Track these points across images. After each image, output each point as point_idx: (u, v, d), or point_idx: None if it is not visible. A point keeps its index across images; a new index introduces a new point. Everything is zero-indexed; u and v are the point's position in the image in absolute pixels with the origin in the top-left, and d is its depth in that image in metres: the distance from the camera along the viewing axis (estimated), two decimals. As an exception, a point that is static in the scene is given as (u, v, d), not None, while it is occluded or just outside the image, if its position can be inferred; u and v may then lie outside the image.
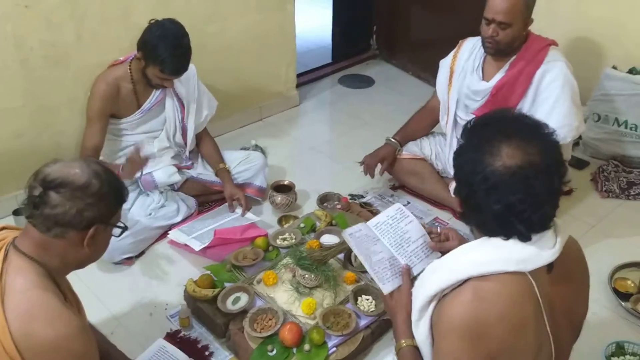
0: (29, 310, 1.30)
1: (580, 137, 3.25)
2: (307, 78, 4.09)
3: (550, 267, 1.26)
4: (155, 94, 2.48)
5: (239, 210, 2.60)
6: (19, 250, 1.37)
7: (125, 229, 1.50)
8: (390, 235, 1.74)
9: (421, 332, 1.36)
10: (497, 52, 2.43)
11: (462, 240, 1.69)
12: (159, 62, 2.26)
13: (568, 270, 1.33)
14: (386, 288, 1.62)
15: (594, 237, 2.64)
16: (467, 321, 1.19)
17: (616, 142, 3.10)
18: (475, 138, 1.26)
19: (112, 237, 2.30)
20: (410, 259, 1.69)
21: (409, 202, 2.82)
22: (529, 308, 1.22)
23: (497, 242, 1.25)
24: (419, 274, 1.62)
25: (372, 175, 2.78)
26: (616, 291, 2.30)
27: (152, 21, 2.32)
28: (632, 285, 2.33)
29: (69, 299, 1.49)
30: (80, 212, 1.34)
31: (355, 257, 2.26)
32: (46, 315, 1.30)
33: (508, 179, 1.17)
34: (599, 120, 3.13)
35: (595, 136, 3.16)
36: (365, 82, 4.11)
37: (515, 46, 2.42)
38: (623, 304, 2.26)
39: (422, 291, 1.33)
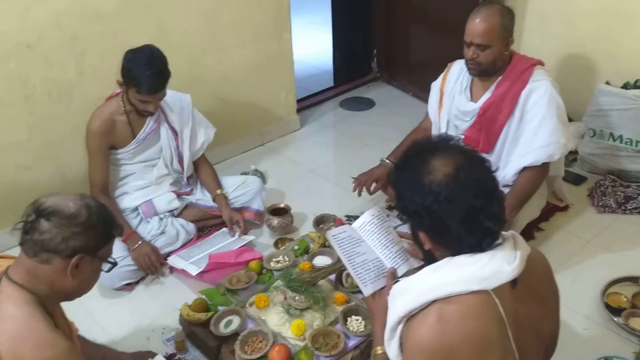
0: (17, 334, 1.37)
1: (577, 153, 3.28)
2: (309, 102, 4.18)
3: (514, 283, 1.29)
4: (149, 124, 2.58)
5: (247, 238, 2.68)
6: (10, 279, 1.46)
7: (114, 264, 1.58)
8: (375, 235, 1.77)
9: (392, 350, 1.40)
10: (480, 73, 2.48)
11: None
12: (135, 82, 2.34)
13: (533, 286, 1.35)
14: (367, 290, 1.66)
15: (590, 253, 2.65)
16: (433, 344, 1.23)
17: (612, 157, 3.11)
18: (406, 172, 1.32)
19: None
20: (395, 260, 1.73)
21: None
22: (493, 326, 1.25)
23: (459, 261, 1.28)
24: (403, 275, 1.65)
25: (360, 193, 2.80)
26: (608, 306, 2.31)
27: None
28: (625, 300, 2.33)
29: (60, 325, 1.56)
30: (66, 240, 1.42)
31: (347, 277, 2.31)
32: (34, 339, 1.38)
33: (455, 183, 1.24)
34: (595, 136, 3.14)
35: (591, 151, 3.17)
36: (366, 104, 4.18)
37: (498, 66, 2.47)
38: (615, 319, 2.26)
39: (392, 312, 1.37)
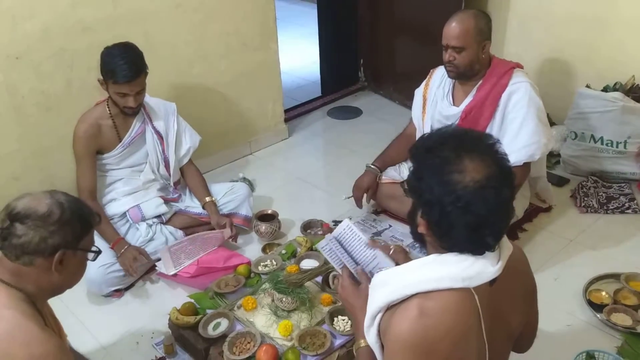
0: (7, 332, 1.38)
1: (559, 156, 3.34)
2: (297, 112, 4.24)
3: (492, 280, 1.30)
4: (135, 127, 2.62)
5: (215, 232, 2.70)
6: None
7: (98, 252, 1.59)
8: (350, 242, 1.78)
9: (371, 336, 1.42)
10: (458, 75, 2.54)
11: (407, 259, 1.69)
12: (111, 73, 2.40)
13: (509, 283, 1.37)
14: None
15: (572, 251, 2.69)
16: (415, 338, 1.25)
17: (594, 159, 3.17)
18: (436, 158, 1.26)
19: (101, 269, 2.42)
20: (368, 265, 1.76)
21: (390, 226, 2.91)
22: (471, 321, 1.27)
23: (446, 259, 1.29)
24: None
25: (360, 206, 2.89)
26: (591, 303, 2.35)
27: None
28: (607, 296, 2.37)
29: (50, 323, 1.58)
30: (44, 240, 1.43)
31: (333, 279, 2.34)
32: (24, 337, 1.39)
33: (480, 192, 1.19)
34: (576, 138, 3.21)
35: (573, 154, 3.23)
36: (354, 113, 4.24)
37: (476, 69, 2.53)
38: (598, 315, 2.30)
39: (373, 302, 1.40)
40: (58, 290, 1.56)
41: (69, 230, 1.47)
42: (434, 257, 1.32)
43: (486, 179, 1.20)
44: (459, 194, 1.20)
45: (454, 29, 2.43)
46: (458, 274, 1.26)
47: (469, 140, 1.28)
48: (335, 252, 1.80)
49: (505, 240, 1.37)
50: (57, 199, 1.48)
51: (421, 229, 1.32)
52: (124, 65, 2.38)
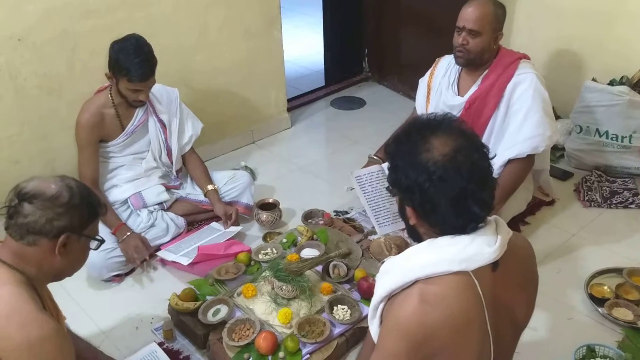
0: (5, 313, 1.38)
1: (564, 149, 3.32)
2: (300, 101, 4.21)
3: (495, 266, 1.30)
4: (138, 116, 2.60)
5: (234, 229, 2.71)
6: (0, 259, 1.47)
7: (102, 242, 1.59)
8: None
9: (374, 329, 1.41)
10: (467, 62, 2.51)
11: None
12: (125, 72, 2.37)
13: (514, 271, 1.37)
14: (382, 230, 1.69)
15: (575, 245, 2.68)
16: (413, 325, 1.24)
17: (598, 153, 3.15)
18: (404, 147, 1.31)
19: (102, 254, 2.42)
20: None
21: (392, 217, 2.89)
22: (473, 308, 1.26)
23: (441, 243, 1.30)
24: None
25: None
26: (592, 297, 2.33)
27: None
28: (608, 290, 2.36)
29: (49, 307, 1.57)
30: (50, 221, 1.43)
31: (334, 268, 2.33)
32: (21, 319, 1.38)
33: (451, 164, 1.23)
34: (581, 132, 3.18)
35: (578, 147, 3.21)
36: (357, 103, 4.21)
37: (485, 59, 2.50)
38: (599, 309, 2.29)
39: (376, 292, 1.39)
40: (58, 275, 1.56)
41: (76, 215, 1.47)
42: (428, 242, 1.33)
43: (454, 151, 1.25)
44: (431, 169, 1.24)
45: (472, 12, 2.41)
46: (455, 255, 1.26)
47: (432, 122, 1.33)
48: (365, 186, 1.80)
49: (503, 224, 1.37)
50: (67, 183, 1.49)
51: (412, 221, 1.35)
52: (139, 64, 2.36)
